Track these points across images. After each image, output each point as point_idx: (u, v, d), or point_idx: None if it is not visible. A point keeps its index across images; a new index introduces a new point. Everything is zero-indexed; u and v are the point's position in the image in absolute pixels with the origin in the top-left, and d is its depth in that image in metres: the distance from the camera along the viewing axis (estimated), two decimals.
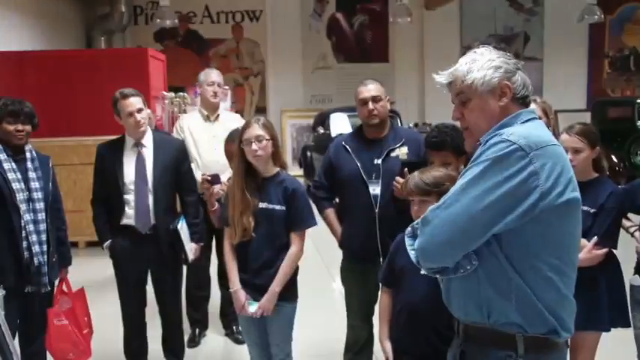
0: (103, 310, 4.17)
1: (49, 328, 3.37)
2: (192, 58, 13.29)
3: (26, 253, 3.21)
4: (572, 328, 1.79)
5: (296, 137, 13.68)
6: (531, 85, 1.87)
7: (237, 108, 13.25)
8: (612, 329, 3.00)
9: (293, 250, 3.06)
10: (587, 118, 12.38)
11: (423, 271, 2.49)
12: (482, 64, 1.82)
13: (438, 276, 1.86)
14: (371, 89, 3.44)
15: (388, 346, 2.67)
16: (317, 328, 4.51)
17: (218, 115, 4.54)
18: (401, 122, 10.73)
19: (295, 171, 12.13)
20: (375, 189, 3.38)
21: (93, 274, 5.56)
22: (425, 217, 1.77)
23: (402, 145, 3.45)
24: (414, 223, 1.86)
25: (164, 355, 3.88)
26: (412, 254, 1.83)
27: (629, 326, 2.99)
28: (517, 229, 1.68)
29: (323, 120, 10.73)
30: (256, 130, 2.99)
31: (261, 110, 13.77)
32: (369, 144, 3.50)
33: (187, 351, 4.18)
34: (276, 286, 3.01)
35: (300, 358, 3.53)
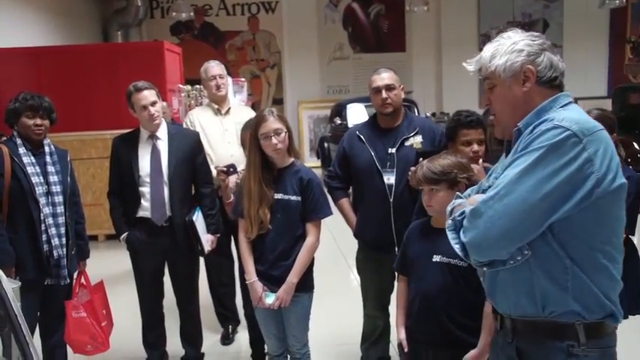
0: (122, 302, 4.21)
1: (68, 321, 3.40)
2: (208, 50, 13.31)
3: (46, 246, 3.24)
4: (622, 311, 1.77)
5: (313, 128, 13.68)
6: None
7: (254, 100, 13.28)
8: (630, 317, 2.96)
9: (309, 240, 3.06)
10: (608, 105, 12.19)
11: (435, 259, 2.51)
12: (505, 48, 1.78)
13: (485, 269, 1.79)
14: (384, 78, 3.41)
15: (403, 333, 2.67)
16: (334, 318, 4.52)
17: (229, 109, 4.52)
18: (418, 112, 10.68)
19: (313, 162, 12.15)
20: (390, 178, 3.37)
21: (112, 266, 5.62)
22: (475, 210, 1.70)
23: (416, 134, 3.43)
24: (456, 215, 1.80)
25: (182, 345, 3.92)
26: (457, 248, 1.77)
27: None
28: (571, 217, 1.64)
29: (340, 111, 10.70)
30: (273, 123, 2.99)
31: (278, 102, 13.78)
32: (383, 133, 3.48)
33: (219, 346, 4.26)
34: (293, 277, 3.01)
35: (317, 348, 3.54)
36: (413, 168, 3.14)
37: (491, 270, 1.78)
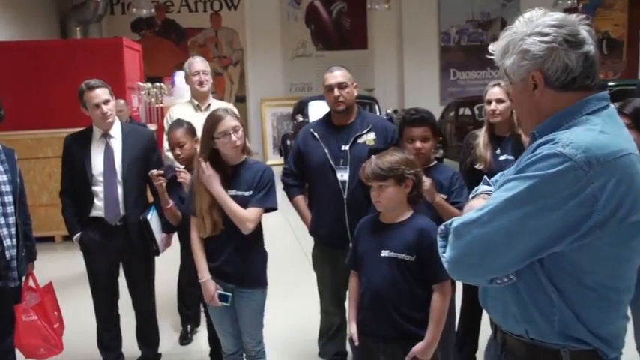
0: (79, 303, 4.16)
1: (18, 325, 3.33)
2: (170, 47, 13.22)
3: None
4: (621, 347, 1.59)
5: (276, 126, 13.66)
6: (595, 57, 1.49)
7: (217, 97, 13.18)
8: None
9: (245, 212, 2.97)
10: None
11: (383, 253, 2.55)
12: (514, 46, 1.53)
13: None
14: (337, 75, 3.45)
15: (354, 327, 2.70)
16: (294, 314, 4.53)
17: (209, 105, 4.50)
18: (379, 109, 10.76)
19: (276, 159, 12.16)
20: (343, 175, 3.41)
21: (69, 268, 5.54)
22: (457, 230, 1.54)
23: (369, 132, 3.47)
24: (447, 222, 1.62)
25: (138, 346, 3.88)
26: (443, 258, 1.60)
27: None
28: (562, 252, 1.45)
29: (302, 108, 10.72)
30: (231, 121, 3.00)
31: (241, 99, 13.73)
32: (336, 130, 3.52)
33: (178, 346, 4.24)
34: (217, 190, 2.95)
35: (276, 344, 3.57)
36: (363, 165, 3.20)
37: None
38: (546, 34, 1.47)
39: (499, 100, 3.48)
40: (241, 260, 3.06)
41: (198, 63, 4.49)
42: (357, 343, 2.68)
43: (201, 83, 4.44)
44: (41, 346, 3.43)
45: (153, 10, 12.28)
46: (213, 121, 3.03)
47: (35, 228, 7.48)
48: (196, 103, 4.48)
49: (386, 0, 12.03)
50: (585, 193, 1.38)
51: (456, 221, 1.56)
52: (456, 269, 1.56)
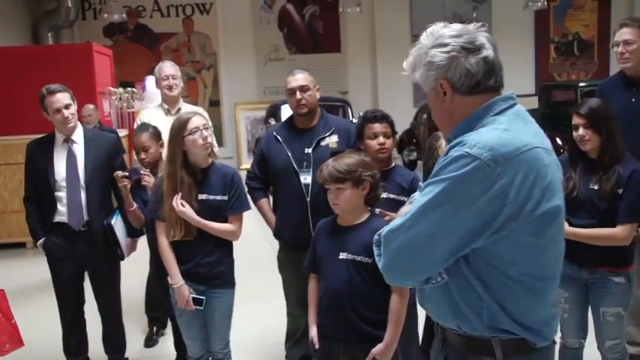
0: (50, 308, 4.11)
1: None
2: (143, 52, 13.15)
3: None
4: (551, 336, 1.67)
5: (250, 129, 13.65)
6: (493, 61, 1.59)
7: (190, 102, 13.08)
8: None
9: (230, 226, 3.09)
10: (535, 102, 12.64)
11: (341, 256, 2.57)
12: (420, 59, 1.63)
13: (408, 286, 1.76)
14: (299, 79, 3.49)
15: (314, 330, 2.72)
16: (261, 318, 4.54)
17: (179, 109, 4.50)
18: (352, 112, 10.79)
19: (250, 163, 12.11)
20: (307, 178, 3.44)
21: (40, 274, 5.48)
22: (386, 237, 1.61)
23: (332, 134, 3.51)
24: (380, 231, 1.67)
25: (105, 351, 3.87)
26: (380, 265, 1.66)
27: None
28: (485, 246, 1.53)
29: (275, 112, 10.69)
30: (201, 119, 3.05)
31: (215, 103, 13.70)
32: (299, 133, 3.55)
33: (145, 351, 4.24)
34: (196, 220, 2.99)
35: (242, 349, 3.58)
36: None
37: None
38: (446, 45, 1.58)
39: None
40: (214, 262, 3.09)
41: (168, 67, 4.51)
42: (317, 347, 2.70)
43: (170, 88, 4.45)
44: (6, 342, 3.39)
45: (124, 15, 12.20)
46: (181, 121, 3.06)
47: (6, 234, 7.53)
48: (166, 107, 4.49)
49: (357, 3, 12.08)
50: (495, 188, 1.46)
51: (385, 229, 1.63)
52: (390, 275, 1.63)
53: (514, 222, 1.49)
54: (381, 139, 3.11)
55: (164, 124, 4.16)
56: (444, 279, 1.60)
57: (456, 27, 1.62)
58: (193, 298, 3.06)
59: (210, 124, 3.14)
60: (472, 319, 1.61)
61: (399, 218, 1.62)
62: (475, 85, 1.58)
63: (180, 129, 3.03)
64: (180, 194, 2.99)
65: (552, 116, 10.90)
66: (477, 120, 1.59)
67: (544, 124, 10.68)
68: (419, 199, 1.57)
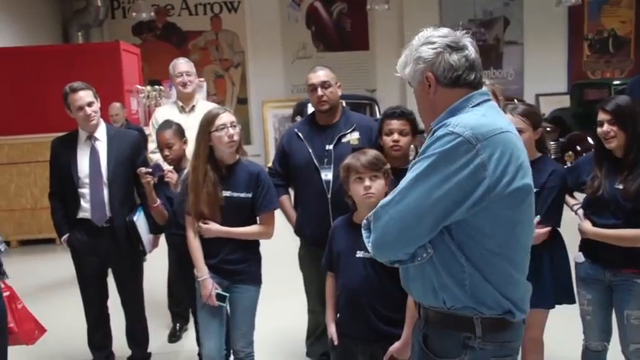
0: (76, 303, 4.17)
1: (14, 313, 3.33)
2: (171, 51, 13.20)
3: None
4: (527, 309, 1.83)
5: (278, 127, 13.65)
6: (476, 60, 1.80)
7: (218, 100, 13.22)
8: (561, 306, 3.04)
9: (261, 227, 3.11)
10: (567, 101, 12.43)
11: (359, 254, 2.55)
12: (409, 57, 1.84)
13: (396, 265, 1.86)
14: (320, 75, 3.46)
15: (333, 328, 2.71)
16: (282, 315, 4.55)
17: (194, 106, 4.52)
18: (379, 110, 10.75)
19: None
20: (327, 174, 3.42)
21: (69, 269, 5.57)
22: (376, 213, 1.76)
23: (353, 131, 3.48)
24: (369, 215, 1.84)
25: (128, 345, 3.91)
26: (369, 247, 1.81)
27: (573, 302, 3.04)
28: (467, 219, 1.69)
29: (301, 109, 10.70)
30: (229, 116, 3.06)
31: (243, 101, 13.74)
32: (320, 130, 3.53)
33: (168, 345, 4.28)
34: (222, 230, 3.04)
35: (263, 346, 3.58)
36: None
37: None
38: (433, 42, 1.79)
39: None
40: (239, 258, 3.10)
41: (182, 64, 4.52)
42: (336, 343, 2.69)
43: (184, 85, 4.46)
44: (35, 328, 3.46)
45: (153, 14, 12.31)
46: (210, 116, 3.07)
47: (36, 230, 7.66)
48: (181, 104, 4.50)
49: (386, 0, 12.01)
50: (475, 162, 1.63)
51: (377, 207, 1.78)
52: (379, 250, 1.77)
53: (492, 194, 1.64)
54: (396, 136, 3.08)
55: (179, 122, 4.19)
56: (429, 254, 1.74)
57: (445, 31, 1.84)
58: (217, 294, 3.07)
59: (236, 120, 3.11)
60: (456, 291, 1.75)
61: (390, 194, 1.77)
62: (456, 79, 1.78)
63: (208, 124, 3.04)
64: (201, 222, 3.04)
65: (584, 115, 10.70)
66: (457, 111, 1.76)
67: (575, 123, 10.53)
68: (408, 175, 1.72)
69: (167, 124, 3.82)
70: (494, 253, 1.72)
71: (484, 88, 1.85)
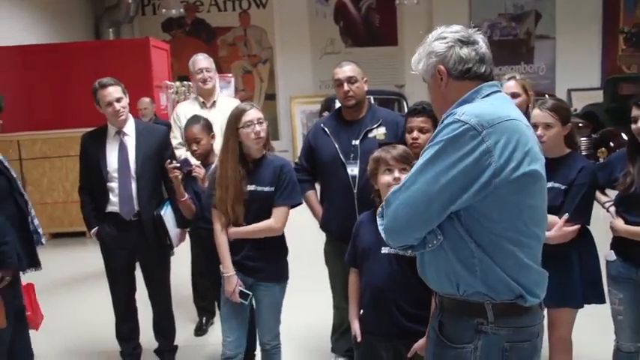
0: (105, 295, 4.24)
1: (31, 304, 3.38)
2: (200, 47, 13.28)
3: (35, 236, 3.21)
4: (541, 295, 1.85)
5: (306, 123, 13.68)
6: (486, 55, 1.85)
7: (247, 95, 13.30)
8: (590, 305, 2.99)
9: (269, 221, 3.06)
10: (600, 96, 12.20)
11: (384, 250, 2.54)
12: (423, 53, 1.90)
13: (409, 252, 1.93)
14: (346, 70, 3.45)
15: (356, 324, 2.70)
16: (308, 310, 4.55)
17: (215, 102, 4.55)
18: (407, 105, 10.68)
19: None
20: (354, 170, 3.41)
21: (99, 262, 5.65)
22: (387, 199, 1.81)
23: (379, 126, 3.47)
24: (383, 203, 1.88)
25: (155, 338, 3.95)
26: (383, 234, 1.86)
27: (603, 302, 2.98)
28: (475, 205, 1.72)
29: (329, 105, 10.70)
30: (256, 113, 3.06)
31: (271, 97, 13.80)
32: (347, 125, 3.52)
33: (194, 338, 4.33)
34: (234, 232, 3.06)
35: (289, 340, 3.59)
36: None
37: (417, 252, 1.91)
38: (445, 37, 1.86)
39: (514, 95, 3.42)
40: (262, 255, 3.10)
41: (202, 61, 4.52)
42: (359, 339, 2.67)
43: (204, 81, 4.47)
44: (41, 315, 3.50)
45: (182, 10, 12.43)
46: (237, 112, 3.08)
47: (67, 224, 7.78)
48: (201, 100, 4.52)
49: None
50: (481, 149, 1.68)
51: (388, 194, 1.85)
52: (391, 234, 1.82)
53: (497, 179, 1.68)
54: (415, 134, 3.06)
55: None
56: (439, 240, 1.79)
57: (456, 27, 1.90)
58: (240, 291, 3.07)
59: (263, 117, 3.11)
60: (467, 277, 1.79)
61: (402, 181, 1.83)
62: (466, 71, 1.84)
63: (235, 120, 3.06)
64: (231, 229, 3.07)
65: (618, 110, 10.50)
66: (467, 102, 1.81)
67: (609, 119, 10.33)
68: (418, 162, 1.78)
69: (195, 119, 3.84)
70: (503, 238, 1.75)
71: (510, 82, 2.01)
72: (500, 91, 1.88)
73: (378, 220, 1.87)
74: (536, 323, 1.87)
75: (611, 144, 9.62)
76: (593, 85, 13.69)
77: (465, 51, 1.84)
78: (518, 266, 1.78)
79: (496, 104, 1.79)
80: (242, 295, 3.08)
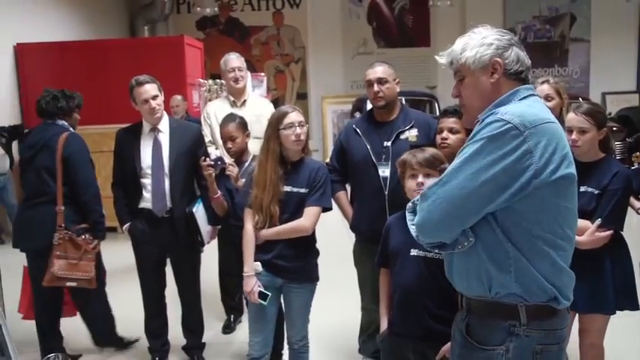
0: (135, 291, 4.30)
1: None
2: (233, 45, 13.36)
3: None
4: (571, 297, 1.84)
5: (337, 123, 13.67)
6: (528, 60, 1.88)
7: (279, 94, 13.35)
8: (624, 312, 2.95)
9: (301, 220, 3.07)
10: (635, 99, 11.99)
11: (413, 252, 2.53)
12: (476, 42, 1.86)
13: (437, 251, 1.92)
14: (377, 71, 3.45)
15: (384, 323, 2.70)
16: (337, 310, 4.56)
17: (245, 101, 4.58)
18: (439, 107, 10.62)
19: None
20: (385, 171, 3.40)
21: (130, 257, 5.73)
22: (423, 194, 1.81)
23: (411, 128, 3.46)
24: (415, 199, 1.90)
25: (184, 334, 4.00)
26: (412, 229, 1.87)
27: (637, 309, 2.94)
28: (512, 205, 1.71)
29: (360, 105, 10.68)
30: (298, 116, 3.09)
31: (302, 96, 13.81)
32: (379, 126, 3.52)
33: (221, 336, 4.38)
34: (266, 232, 3.07)
35: (316, 340, 3.59)
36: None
37: (446, 253, 1.90)
38: (505, 34, 1.87)
39: (547, 98, 3.39)
40: (293, 255, 3.10)
41: (234, 60, 4.55)
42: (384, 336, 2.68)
43: (236, 80, 4.50)
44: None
45: (217, 9, 12.52)
46: (279, 114, 3.11)
47: None
48: (232, 99, 4.54)
49: None
50: (522, 148, 1.67)
51: (424, 189, 1.85)
52: (424, 229, 1.81)
53: (538, 180, 1.68)
54: (444, 134, 3.04)
55: None
56: (470, 242, 1.78)
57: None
58: (259, 292, 3.07)
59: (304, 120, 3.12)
60: (501, 278, 1.77)
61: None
62: (520, 72, 1.85)
63: (277, 122, 3.08)
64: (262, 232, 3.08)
65: None
66: (503, 103, 1.81)
67: None
68: (456, 160, 1.77)
69: (231, 117, 3.87)
70: (540, 239, 1.74)
71: (543, 85, 2.09)
72: (535, 95, 1.88)
73: (408, 216, 1.88)
74: (565, 326, 1.87)
75: (613, 146, 9.45)
76: (629, 88, 13.45)
77: (522, 54, 1.85)
78: (553, 268, 1.78)
79: (534, 106, 1.79)
80: (261, 295, 3.08)
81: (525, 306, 1.78)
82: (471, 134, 1.80)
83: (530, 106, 1.78)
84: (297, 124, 3.04)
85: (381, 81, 3.42)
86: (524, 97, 1.83)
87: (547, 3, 13.70)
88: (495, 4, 13.63)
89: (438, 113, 10.03)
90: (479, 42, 1.86)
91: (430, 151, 2.62)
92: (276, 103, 10.01)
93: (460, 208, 1.73)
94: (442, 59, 1.98)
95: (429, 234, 1.83)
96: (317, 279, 3.23)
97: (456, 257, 1.88)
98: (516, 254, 1.75)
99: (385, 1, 13.77)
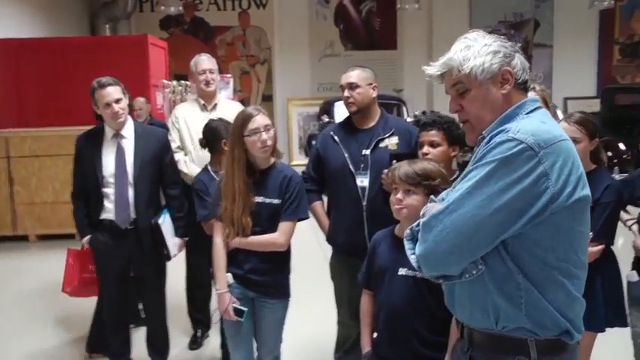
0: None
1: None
2: (198, 45, 13.11)
3: None
4: (582, 328, 1.71)
5: (303, 126, 13.53)
6: (529, 68, 1.76)
7: (244, 96, 13.13)
8: (611, 328, 2.86)
9: (274, 235, 2.89)
10: (596, 105, 12.16)
11: (401, 272, 2.37)
12: (479, 50, 1.68)
13: (441, 281, 1.72)
14: (350, 76, 3.35)
15: (366, 340, 2.56)
16: (311, 325, 4.38)
17: (216, 105, 4.36)
18: (407, 110, 10.56)
19: (301, 160, 12.01)
20: (363, 180, 3.25)
21: None
22: (426, 223, 1.64)
23: (391, 135, 3.31)
24: (414, 225, 1.72)
25: (148, 353, 3.77)
26: (412, 259, 1.71)
27: (626, 325, 2.85)
28: (525, 232, 1.57)
29: (328, 108, 10.55)
30: (263, 119, 2.86)
31: (268, 98, 13.62)
32: (357, 134, 3.37)
33: (188, 352, 4.16)
34: (237, 241, 2.89)
35: (290, 356, 3.44)
36: (387, 170, 3.02)
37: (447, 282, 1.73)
38: (505, 41, 1.72)
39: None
40: (268, 269, 2.93)
41: (206, 62, 4.31)
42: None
43: (207, 83, 4.27)
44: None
45: (181, 8, 12.23)
46: (243, 118, 2.87)
47: (57, 225, 7.57)
48: (202, 102, 4.32)
49: (416, 0, 11.81)
50: (538, 171, 1.52)
51: (424, 217, 1.66)
52: (429, 262, 1.64)
53: (554, 205, 1.53)
54: (425, 149, 2.90)
55: (200, 121, 3.99)
56: (479, 270, 1.62)
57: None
58: (235, 309, 2.91)
59: (271, 122, 2.91)
60: (510, 311, 1.62)
61: (439, 204, 1.65)
62: (525, 82, 1.72)
63: (241, 127, 2.85)
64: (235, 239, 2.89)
65: (615, 120, 10.48)
66: (510, 118, 1.66)
67: (606, 128, 10.25)
68: (462, 184, 1.61)
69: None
70: (554, 268, 1.60)
71: (531, 94, 1.78)
72: (541, 107, 1.73)
73: (407, 245, 1.70)
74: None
75: (609, 153, 9.55)
76: (590, 94, 13.68)
77: (524, 61, 1.72)
78: (567, 299, 1.64)
79: (546, 121, 1.64)
80: (237, 312, 2.91)
81: (536, 340, 1.63)
82: (477, 155, 1.63)
83: (543, 122, 1.63)
84: (262, 129, 2.82)
85: (351, 86, 3.29)
86: (532, 111, 1.68)
87: (512, 8, 13.82)
88: (462, 8, 13.67)
89: (405, 116, 9.95)
90: (483, 50, 1.68)
91: (418, 165, 2.40)
92: (242, 104, 9.81)
93: (470, 239, 1.56)
94: (432, 69, 1.76)
95: (434, 267, 1.66)
96: (289, 295, 3.06)
97: (458, 286, 1.72)
98: (527, 286, 1.60)
99: (352, 3, 13.69)
